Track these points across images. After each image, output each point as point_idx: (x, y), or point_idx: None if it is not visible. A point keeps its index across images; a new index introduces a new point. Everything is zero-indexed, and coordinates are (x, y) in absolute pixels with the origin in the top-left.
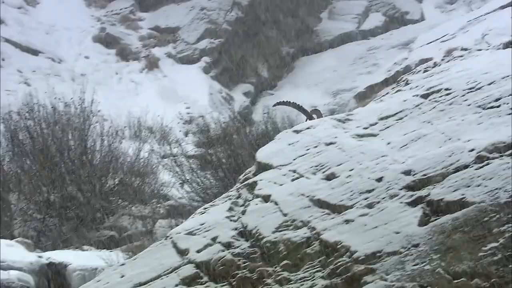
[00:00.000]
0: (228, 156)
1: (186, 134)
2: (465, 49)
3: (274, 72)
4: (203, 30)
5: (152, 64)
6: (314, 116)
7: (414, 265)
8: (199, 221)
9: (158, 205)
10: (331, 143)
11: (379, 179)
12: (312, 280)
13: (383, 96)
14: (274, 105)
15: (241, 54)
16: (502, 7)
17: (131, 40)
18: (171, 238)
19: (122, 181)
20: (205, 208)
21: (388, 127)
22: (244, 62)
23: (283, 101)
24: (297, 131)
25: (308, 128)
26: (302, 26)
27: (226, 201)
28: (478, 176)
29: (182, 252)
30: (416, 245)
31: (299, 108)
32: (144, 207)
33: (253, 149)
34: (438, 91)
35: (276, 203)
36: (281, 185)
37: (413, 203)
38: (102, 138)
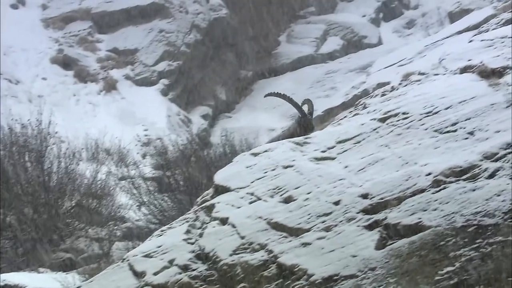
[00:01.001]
0: (186, 178)
1: (143, 156)
2: (423, 74)
3: (232, 94)
4: (162, 52)
5: (110, 86)
6: (306, 106)
7: None
8: (156, 244)
9: (115, 227)
10: (288, 166)
11: (337, 203)
12: None
13: (341, 119)
14: (266, 96)
15: (200, 76)
16: (459, 32)
17: (89, 61)
18: (127, 260)
19: (79, 203)
20: (162, 231)
21: (345, 151)
22: (202, 85)
23: (275, 92)
24: (255, 154)
25: (266, 151)
26: (260, 49)
27: (183, 223)
28: (435, 200)
29: (138, 275)
30: (373, 269)
31: (290, 100)
32: (101, 229)
33: (211, 171)
34: (396, 115)
35: (233, 226)
36: (238, 208)
37: (370, 227)
38: (59, 160)
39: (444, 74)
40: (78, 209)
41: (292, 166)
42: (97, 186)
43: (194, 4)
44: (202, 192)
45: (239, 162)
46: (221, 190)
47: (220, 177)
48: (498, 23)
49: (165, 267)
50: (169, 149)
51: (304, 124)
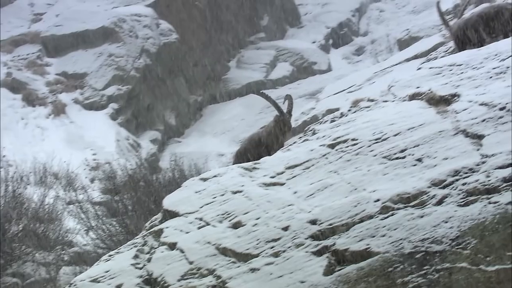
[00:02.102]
0: (134, 203)
1: (92, 180)
2: (372, 100)
3: (182, 119)
4: (111, 77)
5: (59, 110)
6: (287, 101)
7: None
8: (103, 268)
9: (63, 252)
10: (238, 192)
11: (285, 228)
12: None
13: (290, 145)
14: (254, 93)
15: (149, 101)
16: (408, 60)
17: (38, 85)
18: (75, 285)
19: (26, 227)
20: (110, 255)
21: (295, 176)
22: (152, 109)
23: (260, 91)
24: (204, 179)
25: (215, 176)
26: (210, 75)
27: (131, 248)
28: (383, 227)
29: None
30: None
31: (268, 98)
32: (48, 254)
33: (159, 196)
34: (345, 141)
35: (182, 251)
36: (187, 233)
37: (318, 253)
38: (6, 184)
39: (393, 101)
40: (25, 233)
41: (241, 191)
42: (45, 211)
43: (144, 28)
44: (150, 217)
45: (188, 187)
46: (169, 215)
47: (169, 202)
48: (447, 50)
49: None
50: (118, 173)
51: (282, 123)
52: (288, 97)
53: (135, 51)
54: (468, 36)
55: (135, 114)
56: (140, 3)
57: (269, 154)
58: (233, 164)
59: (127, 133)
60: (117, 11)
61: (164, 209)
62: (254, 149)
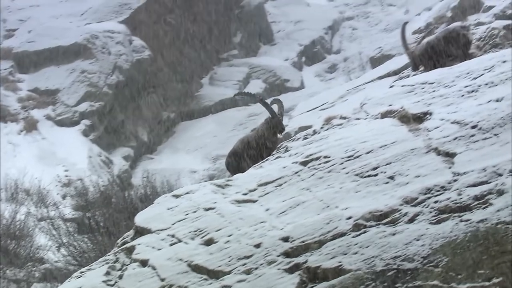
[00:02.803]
0: (106, 219)
1: (64, 197)
2: (344, 118)
3: (154, 136)
4: (83, 93)
5: (31, 126)
6: (275, 106)
7: None
8: (75, 285)
9: (34, 268)
10: (210, 208)
11: (258, 245)
12: None
13: (263, 162)
14: (235, 95)
15: (122, 117)
16: (380, 77)
17: (9, 101)
18: None
19: None
20: (81, 272)
21: (267, 194)
22: (124, 126)
23: (244, 91)
24: (176, 196)
25: (187, 193)
26: (183, 91)
27: (103, 265)
28: (355, 244)
29: None
30: None
31: (260, 101)
32: (19, 271)
33: (131, 213)
34: (317, 158)
35: (153, 268)
36: (159, 249)
37: (290, 270)
38: None
39: (365, 119)
40: None
41: (213, 208)
42: (16, 227)
43: (117, 45)
44: (122, 234)
45: (160, 203)
46: (141, 231)
47: (141, 218)
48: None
49: None
50: (90, 190)
51: (274, 125)
52: (277, 101)
53: (107, 68)
54: (428, 59)
55: (107, 131)
56: (113, 20)
57: (261, 156)
58: (226, 165)
59: (99, 150)
60: (90, 27)
61: (136, 226)
62: (245, 151)
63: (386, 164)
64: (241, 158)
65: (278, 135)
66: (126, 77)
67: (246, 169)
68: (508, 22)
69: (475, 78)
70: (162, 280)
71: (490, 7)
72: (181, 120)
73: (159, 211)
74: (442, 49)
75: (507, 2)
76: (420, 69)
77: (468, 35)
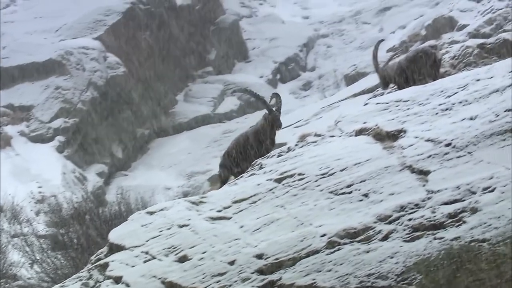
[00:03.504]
0: (80, 236)
1: (37, 213)
2: (319, 135)
3: (129, 153)
4: (58, 109)
5: (5, 142)
6: (274, 99)
7: None
8: None
9: (7, 285)
10: (184, 225)
11: (232, 262)
12: None
13: (237, 179)
14: (233, 91)
15: (96, 134)
16: (355, 95)
17: None
18: None
19: None
20: None
21: (241, 211)
22: (98, 142)
23: (241, 88)
24: (150, 213)
25: (161, 209)
26: (158, 108)
27: (76, 282)
28: (329, 261)
29: None
30: None
31: (256, 96)
32: None
33: (105, 229)
34: (292, 176)
35: (127, 285)
36: (133, 266)
37: (264, 287)
38: None
39: (340, 136)
40: None
41: (187, 225)
42: None
43: (91, 61)
44: (96, 250)
45: (134, 220)
46: (115, 248)
47: (115, 235)
48: (393, 86)
49: None
50: (64, 206)
51: (271, 120)
52: (276, 95)
53: (82, 84)
54: (399, 78)
55: (81, 147)
56: (88, 36)
57: (259, 153)
58: (220, 165)
59: (74, 166)
60: (64, 43)
61: (110, 243)
62: (242, 148)
63: (361, 182)
64: (238, 156)
65: (276, 131)
66: (101, 93)
67: (243, 168)
68: (482, 40)
69: (449, 96)
70: None
71: (464, 26)
72: (156, 137)
73: (133, 228)
74: (412, 69)
75: (481, 21)
76: (391, 87)
77: (436, 54)
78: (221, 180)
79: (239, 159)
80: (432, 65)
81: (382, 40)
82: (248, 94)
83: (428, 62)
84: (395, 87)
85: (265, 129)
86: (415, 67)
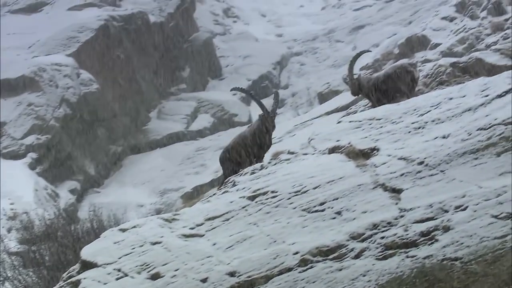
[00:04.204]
0: (52, 253)
1: (9, 230)
2: (292, 153)
3: (102, 170)
4: (30, 126)
5: None
6: (273, 100)
7: None
8: None
9: None
10: (157, 243)
11: (204, 280)
12: None
13: (210, 196)
14: (231, 90)
15: (69, 151)
16: (328, 113)
17: None
18: None
19: None
20: None
21: (214, 228)
22: (71, 159)
23: (239, 87)
24: (123, 230)
25: (134, 226)
26: (131, 125)
27: None
28: (302, 279)
29: None
30: None
31: (253, 97)
32: None
33: (78, 246)
34: (265, 193)
35: None
36: (105, 284)
37: None
38: None
39: (313, 154)
40: None
41: (160, 242)
42: None
43: (64, 78)
44: (68, 268)
45: (106, 237)
46: (87, 265)
47: (87, 252)
48: (366, 105)
49: None
50: (36, 223)
51: (264, 122)
52: (275, 94)
53: (55, 101)
54: (376, 93)
55: (54, 164)
56: (61, 53)
57: (255, 154)
58: (220, 161)
59: (46, 183)
60: (38, 60)
61: (82, 260)
62: (241, 147)
63: (334, 200)
64: (238, 154)
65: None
66: (74, 110)
67: (242, 165)
68: (455, 59)
69: (422, 115)
70: None
71: (437, 45)
72: (129, 154)
73: (105, 245)
74: (389, 85)
75: (454, 40)
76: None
77: (414, 72)
78: (225, 176)
79: (237, 158)
80: (410, 82)
81: (364, 51)
82: (244, 93)
83: (406, 79)
84: (369, 103)
85: (261, 130)
86: (393, 83)
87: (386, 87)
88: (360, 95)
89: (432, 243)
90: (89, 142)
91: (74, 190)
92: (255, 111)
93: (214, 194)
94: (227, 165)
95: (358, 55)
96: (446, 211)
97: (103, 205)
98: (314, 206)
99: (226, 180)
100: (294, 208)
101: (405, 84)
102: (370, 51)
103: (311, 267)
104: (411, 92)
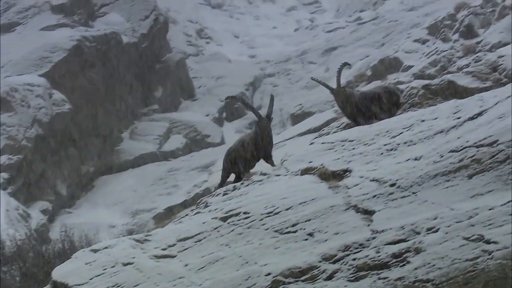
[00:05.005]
0: (23, 274)
1: None
2: (264, 174)
3: (73, 190)
4: (2, 146)
5: None
6: (269, 104)
7: None
8: None
9: None
10: (128, 263)
11: None
12: None
13: (182, 217)
14: (226, 99)
15: (41, 171)
16: (301, 134)
17: None
18: None
19: None
20: None
21: (186, 249)
22: (43, 179)
23: (232, 96)
24: (94, 251)
25: (106, 247)
26: (103, 145)
27: None
28: None
29: None
30: None
31: (247, 105)
32: None
33: (49, 267)
34: (237, 214)
35: None
36: None
37: None
38: None
39: (286, 175)
40: None
41: (132, 263)
42: None
43: (36, 98)
44: None
45: (78, 258)
46: (59, 286)
47: (59, 273)
48: (339, 126)
49: None
50: (7, 244)
51: (261, 128)
52: (271, 96)
53: (27, 121)
54: (361, 108)
55: (25, 184)
56: (33, 73)
57: (254, 160)
58: (224, 165)
59: (17, 203)
60: (10, 80)
61: (53, 281)
62: (242, 152)
63: (306, 221)
64: (239, 158)
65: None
66: (46, 130)
67: (242, 170)
68: (427, 81)
69: (394, 137)
70: None
71: (409, 67)
72: (101, 174)
73: (77, 266)
74: (373, 103)
75: (426, 62)
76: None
77: (400, 96)
78: (222, 180)
79: (239, 163)
80: (393, 106)
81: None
82: (239, 102)
83: (391, 101)
84: (341, 124)
85: (256, 137)
86: (378, 103)
87: (369, 104)
88: (342, 107)
89: (404, 265)
90: (61, 163)
91: (46, 210)
92: (228, 132)
93: (186, 215)
94: (228, 168)
95: (343, 66)
96: (418, 233)
97: (74, 225)
98: (287, 227)
99: (199, 200)
100: (266, 229)
101: (389, 106)
102: (349, 64)
103: None
104: (392, 115)
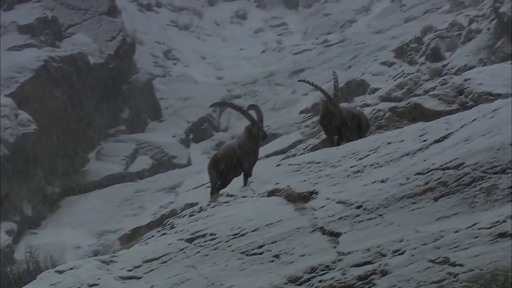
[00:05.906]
0: None
1: None
2: (231, 196)
3: (39, 211)
4: None
5: None
6: (253, 111)
7: None
8: None
9: None
10: (94, 285)
11: None
12: None
13: (148, 238)
14: (211, 106)
15: (6, 191)
16: (267, 156)
17: None
18: None
19: None
20: None
21: (152, 270)
22: (8, 200)
23: (221, 102)
24: (59, 272)
25: (71, 268)
26: (69, 166)
27: None
28: None
29: None
30: None
31: (237, 108)
32: None
33: None
34: (203, 235)
35: None
36: None
37: None
38: None
39: (252, 197)
40: None
41: (97, 284)
42: None
43: (2, 118)
44: None
45: (43, 279)
46: None
47: None
48: (305, 148)
49: None
50: None
51: (255, 132)
52: (254, 107)
53: None
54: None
55: None
56: None
57: (243, 166)
58: (208, 170)
59: None
60: None
61: None
62: (229, 158)
63: (272, 243)
64: (226, 165)
65: (261, 142)
66: (11, 150)
67: (228, 177)
68: (393, 104)
69: (360, 159)
70: None
71: (376, 89)
72: (67, 195)
73: (41, 287)
74: (352, 124)
75: (392, 85)
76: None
77: (368, 120)
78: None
79: (225, 169)
80: (366, 128)
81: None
82: (229, 107)
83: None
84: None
85: (249, 141)
86: (354, 123)
87: (354, 124)
88: (333, 117)
89: (369, 287)
90: (26, 183)
91: (11, 231)
92: (195, 153)
93: (152, 236)
94: (214, 175)
95: (336, 76)
96: (384, 255)
97: (40, 246)
98: (253, 249)
99: (165, 222)
100: (233, 251)
101: (363, 128)
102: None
103: None
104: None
